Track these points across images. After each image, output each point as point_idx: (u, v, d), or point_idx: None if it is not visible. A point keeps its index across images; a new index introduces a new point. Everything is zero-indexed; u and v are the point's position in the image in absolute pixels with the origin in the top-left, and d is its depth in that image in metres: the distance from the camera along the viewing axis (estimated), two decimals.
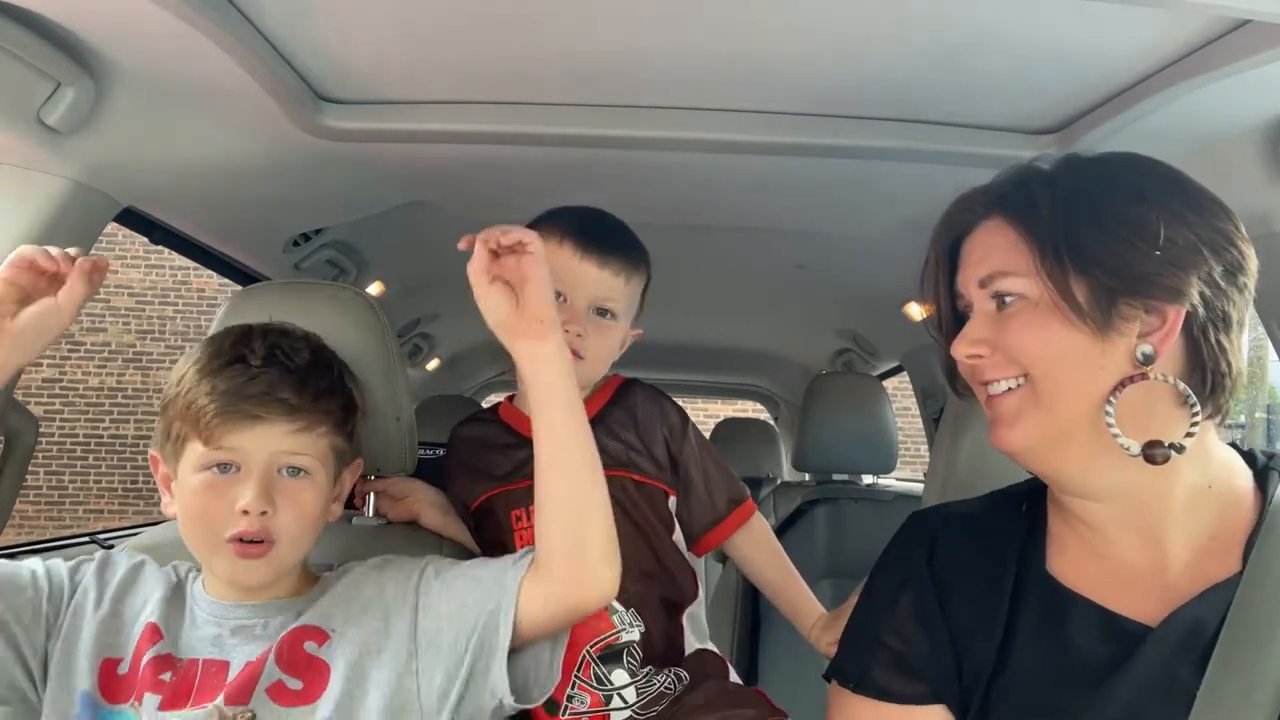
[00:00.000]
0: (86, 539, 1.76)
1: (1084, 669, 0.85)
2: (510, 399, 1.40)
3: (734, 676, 1.35)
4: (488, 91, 1.31)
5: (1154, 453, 0.82)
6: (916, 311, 2.46)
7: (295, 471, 1.04)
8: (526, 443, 1.30)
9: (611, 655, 1.25)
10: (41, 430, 1.47)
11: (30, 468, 1.47)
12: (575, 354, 1.25)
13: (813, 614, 1.36)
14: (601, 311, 1.30)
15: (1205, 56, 1.03)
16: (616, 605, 1.26)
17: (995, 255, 0.89)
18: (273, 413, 1.01)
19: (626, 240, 1.33)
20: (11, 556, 1.52)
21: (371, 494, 1.38)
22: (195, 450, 1.01)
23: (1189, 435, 0.83)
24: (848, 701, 0.95)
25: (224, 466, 1.01)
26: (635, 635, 1.26)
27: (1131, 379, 0.83)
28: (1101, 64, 1.12)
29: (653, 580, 1.29)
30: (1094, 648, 0.85)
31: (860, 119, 1.34)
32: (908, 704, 0.91)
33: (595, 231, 1.29)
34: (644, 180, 1.63)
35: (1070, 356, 0.85)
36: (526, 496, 1.27)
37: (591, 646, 1.25)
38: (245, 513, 0.99)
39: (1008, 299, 0.88)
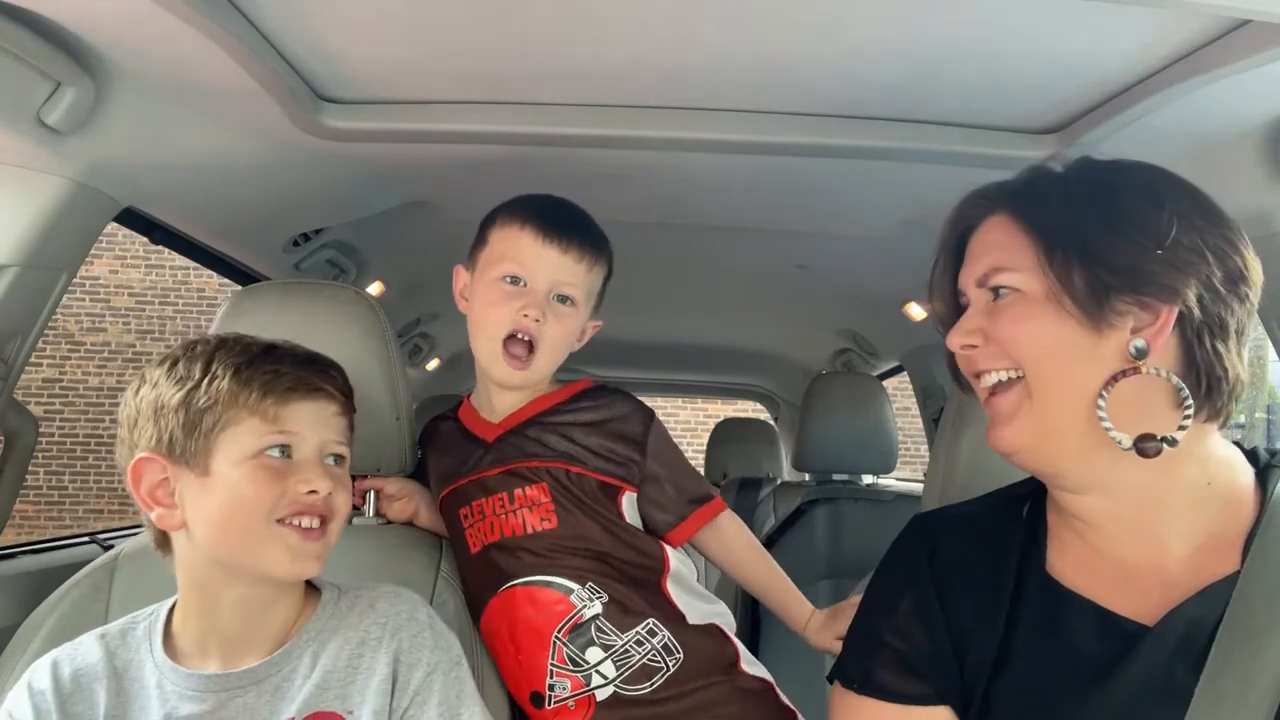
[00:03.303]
0: (86, 539, 1.76)
1: (1082, 668, 0.85)
2: (469, 396, 1.41)
3: (745, 661, 1.32)
4: (488, 91, 1.31)
5: (1146, 446, 0.82)
6: (916, 311, 2.46)
7: (339, 460, 1.06)
8: (474, 439, 1.35)
9: (580, 634, 1.25)
10: (41, 430, 1.47)
11: (30, 468, 1.47)
12: (532, 340, 1.28)
13: (802, 611, 1.36)
14: (562, 298, 1.30)
15: (1205, 56, 1.03)
16: (570, 584, 1.25)
17: (994, 252, 0.90)
18: (331, 386, 1.05)
19: (588, 227, 1.33)
20: (11, 556, 1.53)
21: (372, 493, 1.39)
22: (245, 437, 0.99)
23: (1181, 429, 0.83)
24: (850, 702, 0.95)
25: (283, 449, 1.00)
26: (598, 608, 1.25)
27: (1124, 373, 0.84)
28: (1102, 64, 1.12)
29: (604, 558, 1.28)
30: (1091, 646, 0.85)
31: (860, 119, 1.34)
32: (910, 704, 0.91)
33: (557, 217, 1.30)
34: (644, 180, 1.62)
35: (1062, 349, 0.85)
36: (473, 491, 1.31)
37: (559, 631, 1.25)
38: (313, 493, 1.00)
39: (1002, 292, 0.89)
